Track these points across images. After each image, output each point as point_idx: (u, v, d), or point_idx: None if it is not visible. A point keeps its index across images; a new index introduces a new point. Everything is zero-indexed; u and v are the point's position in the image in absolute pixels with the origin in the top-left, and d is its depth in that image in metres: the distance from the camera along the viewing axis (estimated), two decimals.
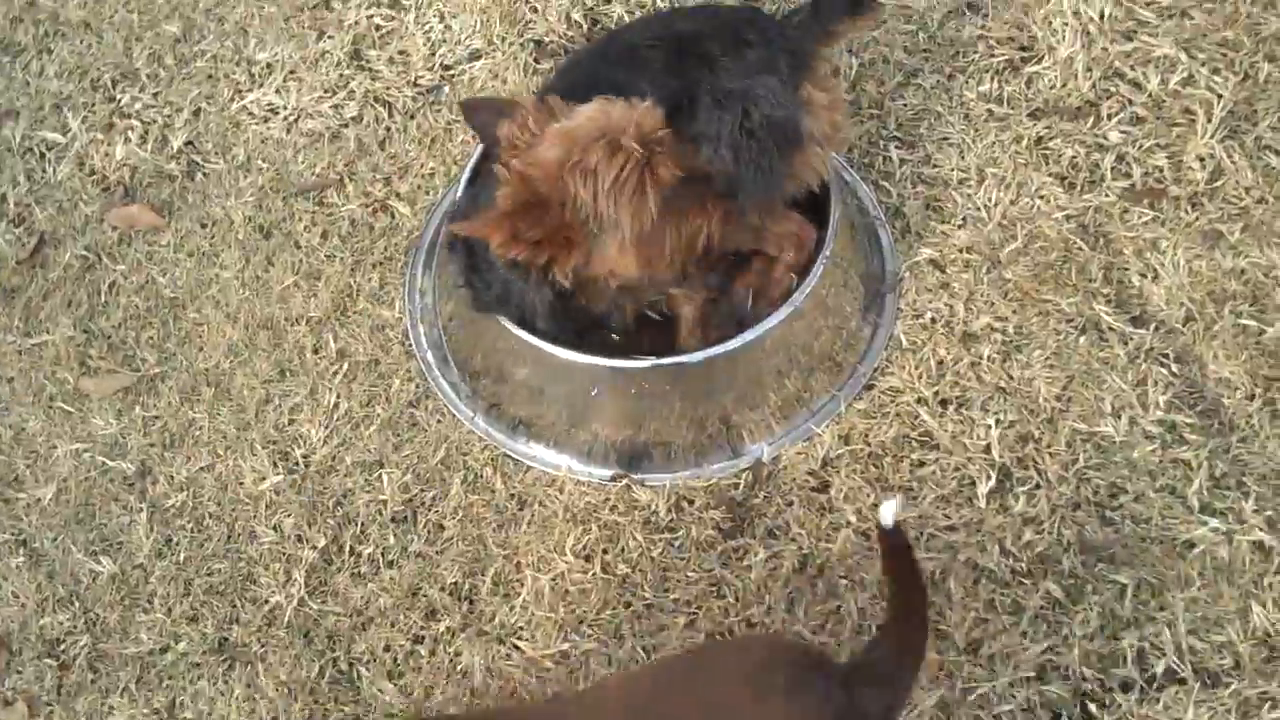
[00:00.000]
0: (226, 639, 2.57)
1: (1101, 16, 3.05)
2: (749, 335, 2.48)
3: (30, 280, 3.11)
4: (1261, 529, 2.38)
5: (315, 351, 2.85)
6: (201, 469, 2.74)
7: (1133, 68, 2.99)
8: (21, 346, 3.00)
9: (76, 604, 2.65)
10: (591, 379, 2.51)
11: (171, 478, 2.74)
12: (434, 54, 3.28)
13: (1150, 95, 2.94)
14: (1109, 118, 2.93)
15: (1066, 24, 3.06)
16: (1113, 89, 2.98)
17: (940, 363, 2.65)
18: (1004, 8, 3.13)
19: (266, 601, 2.58)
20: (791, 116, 2.50)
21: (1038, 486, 2.48)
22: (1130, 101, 2.95)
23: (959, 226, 2.82)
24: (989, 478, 2.49)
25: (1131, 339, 2.62)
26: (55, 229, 3.19)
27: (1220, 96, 2.90)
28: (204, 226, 3.11)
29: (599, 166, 2.16)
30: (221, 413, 2.80)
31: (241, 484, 2.70)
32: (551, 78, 2.90)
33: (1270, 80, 2.92)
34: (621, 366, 2.48)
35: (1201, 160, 2.82)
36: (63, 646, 2.61)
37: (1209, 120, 2.87)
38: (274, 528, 2.63)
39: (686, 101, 2.51)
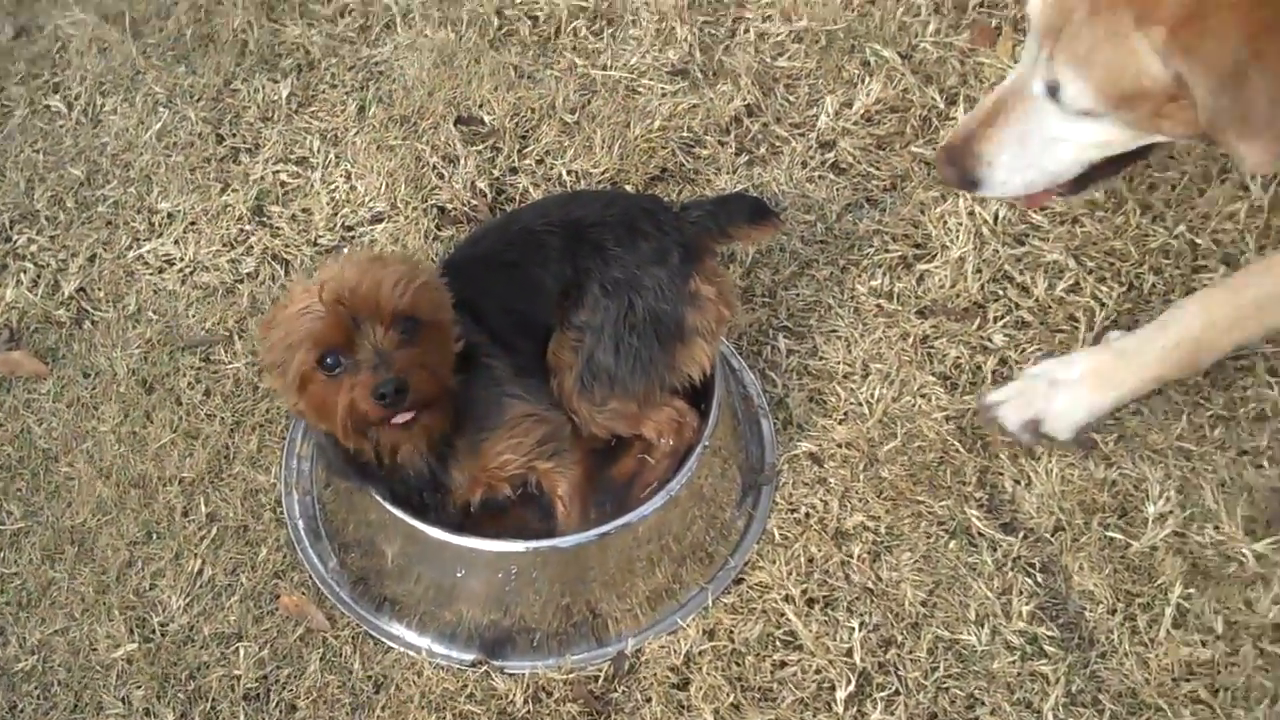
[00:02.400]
0: None
1: (995, 219, 3.12)
2: (623, 520, 2.48)
3: None
4: None
5: (185, 514, 2.81)
6: (55, 632, 2.67)
7: (1021, 272, 3.05)
8: None
9: None
10: (459, 560, 2.50)
11: (23, 640, 2.67)
12: (336, 214, 3.30)
13: (1037, 300, 2.99)
14: (995, 320, 2.98)
15: (961, 224, 3.12)
16: (1001, 291, 3.03)
17: (811, 560, 2.65)
18: (901, 204, 3.20)
19: None
20: (676, 310, 2.54)
21: (896, 694, 2.48)
22: (1017, 305, 3.00)
23: (840, 421, 2.85)
24: (849, 682, 2.48)
25: (1000, 545, 2.64)
26: None
27: (1104, 305, 2.95)
28: (86, 376, 3.08)
29: None
30: (82, 573, 2.74)
31: (95, 650, 2.63)
32: (453, 249, 2.92)
33: (1154, 291, 2.98)
34: (492, 549, 2.47)
35: None
36: None
37: (1089, 329, 2.92)
38: (123, 699, 2.56)
39: (575, 290, 2.56)
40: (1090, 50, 2.12)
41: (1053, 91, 2.23)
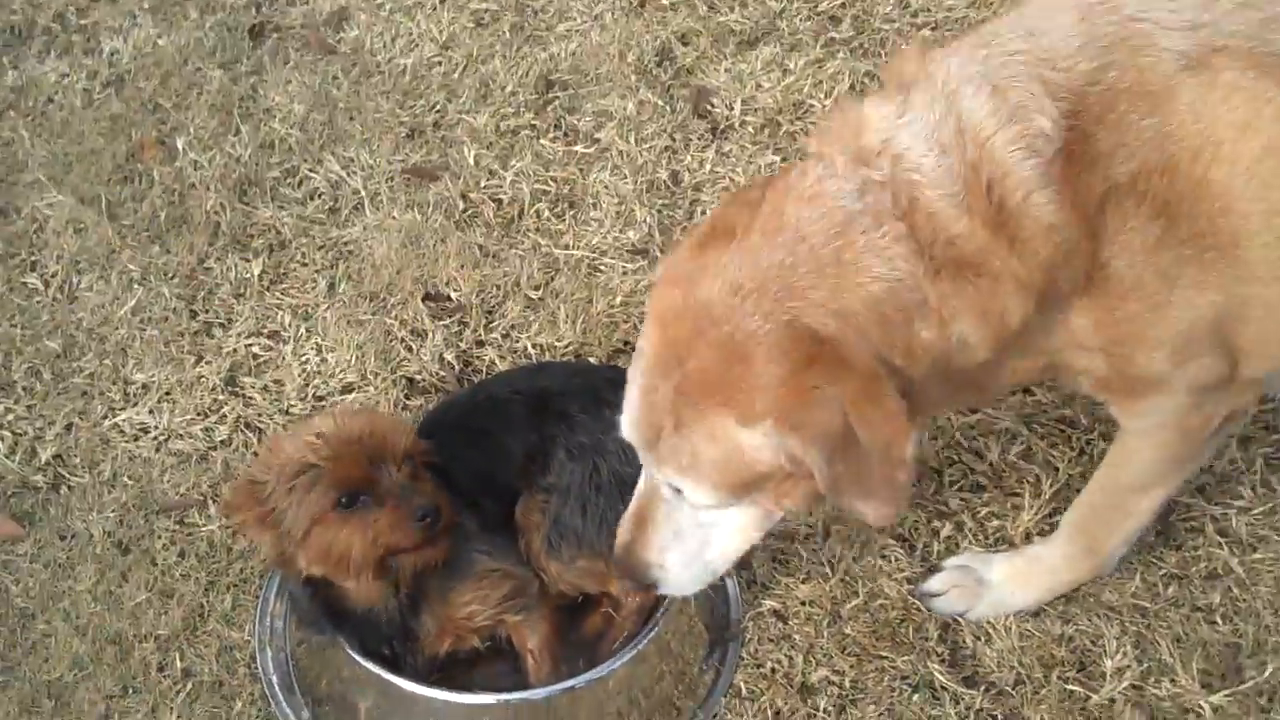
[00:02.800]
0: None
1: None
2: (594, 673, 2.53)
3: None
4: None
5: (160, 670, 2.84)
6: None
7: (975, 439, 3.15)
8: None
9: None
10: (431, 713, 2.54)
11: None
12: (308, 384, 3.39)
13: (990, 464, 3.10)
14: (950, 485, 3.07)
15: None
16: (955, 457, 3.13)
17: (777, 713, 2.71)
18: None
19: None
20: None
21: None
22: (972, 470, 3.10)
23: (803, 580, 2.92)
24: None
25: (963, 699, 2.70)
26: None
27: (1056, 469, 3.06)
28: (63, 539, 3.13)
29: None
30: None
31: None
32: (424, 417, 3.02)
33: (1100, 455, 3.09)
34: (465, 701, 2.51)
35: (1028, 534, 2.97)
36: None
37: (1035, 497, 3.01)
38: None
39: (541, 455, 2.66)
40: (693, 458, 2.16)
41: (679, 493, 2.27)
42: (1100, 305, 2.19)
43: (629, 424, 2.26)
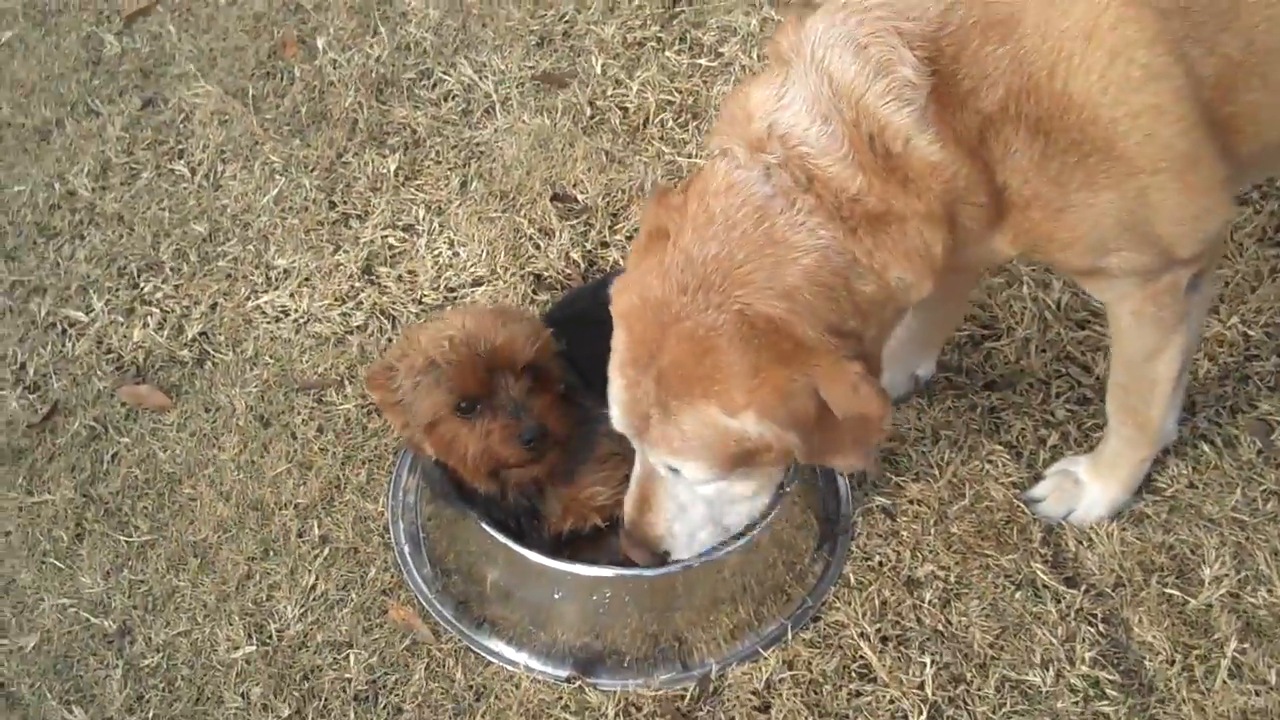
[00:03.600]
0: None
1: (1059, 305, 3.30)
2: (709, 557, 2.64)
3: (38, 443, 3.28)
4: None
5: (299, 535, 3.01)
6: (179, 634, 2.87)
7: (1084, 353, 3.23)
8: (22, 504, 3.15)
9: None
10: (556, 583, 2.67)
11: (149, 639, 2.87)
12: (440, 276, 3.53)
13: (1097, 378, 3.16)
14: (1058, 396, 3.15)
15: (1025, 308, 3.30)
16: (1063, 370, 3.20)
17: (884, 603, 2.81)
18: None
19: None
20: None
21: None
22: (1079, 383, 3.17)
23: (912, 480, 3.02)
24: (921, 713, 2.62)
25: (1064, 597, 2.79)
26: (67, 399, 3.37)
27: None
28: (207, 411, 3.30)
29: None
30: (204, 583, 2.94)
31: (215, 651, 2.82)
32: (550, 308, 3.16)
33: (1209, 376, 3.15)
34: (586, 574, 2.63)
35: None
36: None
37: None
38: (242, 695, 2.75)
39: None
40: (684, 442, 2.29)
41: (676, 472, 2.40)
42: (1009, 223, 2.29)
43: (618, 416, 2.39)
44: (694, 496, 2.49)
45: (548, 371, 2.63)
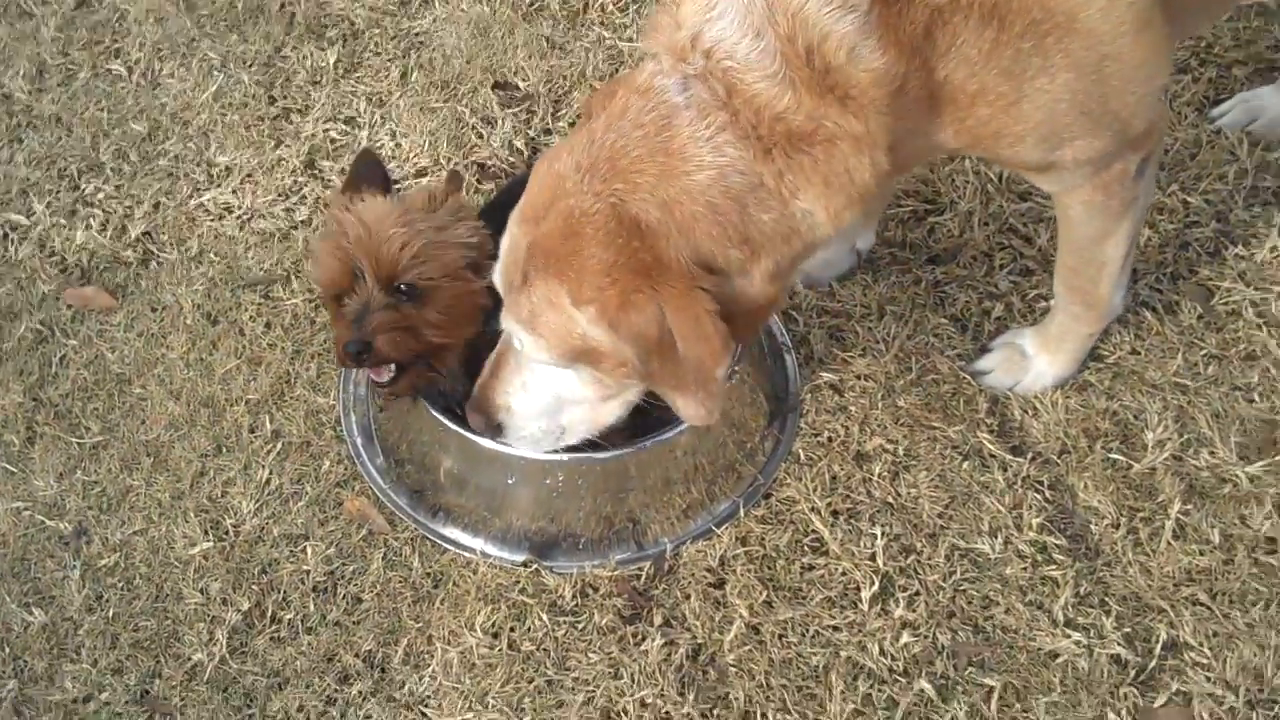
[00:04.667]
0: (148, 691, 2.69)
1: (1000, 178, 3.32)
2: (661, 437, 2.66)
3: None
4: (1119, 644, 2.56)
5: (251, 431, 3.02)
6: (135, 533, 2.89)
7: (1025, 225, 3.25)
8: None
9: (6, 650, 2.76)
10: (507, 470, 2.69)
11: (106, 539, 2.88)
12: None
13: (1039, 249, 3.19)
14: (1000, 268, 3.18)
15: (968, 182, 3.32)
16: (1006, 242, 3.23)
17: (834, 478, 2.85)
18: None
19: (189, 659, 2.71)
20: None
21: (917, 594, 2.67)
22: (1021, 254, 3.20)
23: (859, 355, 3.04)
24: (873, 584, 2.67)
25: (1010, 466, 2.83)
26: (12, 304, 3.36)
27: None
28: (154, 310, 3.30)
29: None
30: (158, 482, 2.96)
31: (172, 549, 2.84)
32: (493, 195, 3.15)
33: (1149, 244, 3.17)
34: (538, 458, 2.66)
35: None
36: None
37: None
38: (200, 590, 2.78)
39: None
40: (532, 314, 2.27)
41: (522, 345, 2.36)
42: (951, 117, 2.25)
43: (498, 269, 2.38)
44: (537, 379, 2.47)
45: (427, 295, 2.55)
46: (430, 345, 2.57)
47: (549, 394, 2.48)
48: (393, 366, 2.56)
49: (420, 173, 3.50)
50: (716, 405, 2.29)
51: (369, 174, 2.69)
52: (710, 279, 2.17)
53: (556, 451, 2.61)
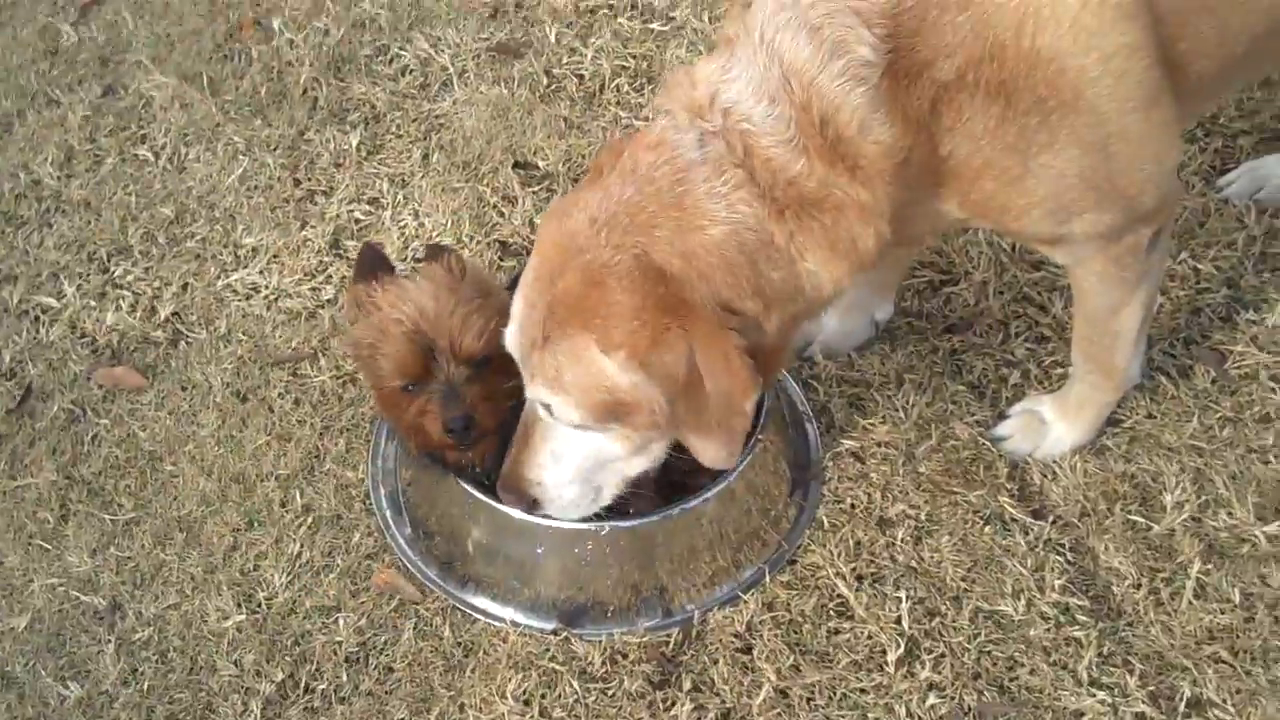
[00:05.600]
0: None
1: (1013, 249, 3.37)
2: (687, 505, 2.70)
3: (18, 429, 3.33)
4: (1144, 702, 2.58)
5: (282, 505, 3.06)
6: (169, 607, 2.92)
7: (1040, 293, 3.30)
8: (6, 488, 3.20)
9: None
10: (535, 539, 2.73)
11: (140, 614, 2.92)
12: (407, 247, 3.58)
13: (1054, 317, 3.24)
14: (1016, 336, 3.22)
15: (982, 252, 3.37)
16: (1021, 310, 3.27)
17: (858, 543, 2.88)
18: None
19: None
20: None
21: (943, 656, 2.69)
22: (1036, 322, 3.25)
23: (879, 423, 3.08)
24: (899, 646, 2.69)
25: (1031, 529, 2.86)
26: (44, 384, 3.42)
27: None
28: (184, 389, 3.35)
29: None
30: (191, 556, 2.99)
31: (206, 622, 2.87)
32: (516, 272, 3.20)
33: (1162, 310, 3.22)
34: (569, 527, 2.69)
35: None
36: None
37: None
38: (234, 662, 2.80)
39: None
40: (558, 373, 2.30)
41: (548, 410, 2.39)
42: (955, 189, 2.32)
43: (510, 335, 2.42)
44: (568, 446, 2.49)
45: (493, 361, 2.59)
46: (503, 415, 2.63)
47: (579, 458, 2.51)
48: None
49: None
50: (737, 447, 2.35)
51: (375, 262, 2.76)
52: (735, 319, 2.23)
53: (594, 516, 2.64)
